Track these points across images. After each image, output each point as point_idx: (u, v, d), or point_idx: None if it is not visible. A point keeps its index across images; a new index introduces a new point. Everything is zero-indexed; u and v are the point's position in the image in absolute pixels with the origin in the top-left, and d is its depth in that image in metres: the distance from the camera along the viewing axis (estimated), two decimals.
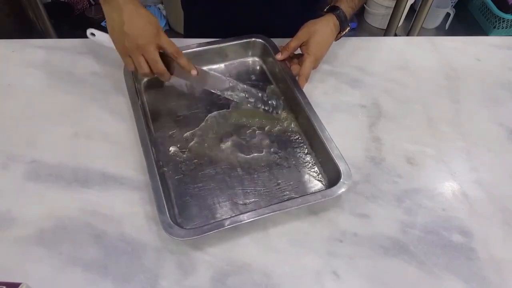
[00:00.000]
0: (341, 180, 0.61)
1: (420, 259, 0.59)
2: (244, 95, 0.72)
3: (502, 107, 0.81)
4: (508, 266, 0.60)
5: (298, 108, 0.72)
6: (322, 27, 0.75)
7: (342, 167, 0.62)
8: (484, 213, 0.65)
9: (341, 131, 0.74)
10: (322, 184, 0.66)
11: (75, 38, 0.87)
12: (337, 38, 0.79)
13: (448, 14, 2.13)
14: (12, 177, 0.65)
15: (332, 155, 0.64)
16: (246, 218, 0.57)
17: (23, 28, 1.66)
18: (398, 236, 0.62)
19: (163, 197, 0.58)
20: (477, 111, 0.80)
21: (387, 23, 1.64)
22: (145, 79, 0.79)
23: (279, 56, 0.77)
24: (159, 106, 0.76)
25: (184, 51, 0.77)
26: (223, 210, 0.62)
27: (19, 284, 0.48)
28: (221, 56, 0.83)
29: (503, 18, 2.04)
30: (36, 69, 0.80)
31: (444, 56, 0.90)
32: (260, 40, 0.82)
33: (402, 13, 1.59)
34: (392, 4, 1.61)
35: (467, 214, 0.65)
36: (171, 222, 0.56)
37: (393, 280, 0.57)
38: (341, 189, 0.60)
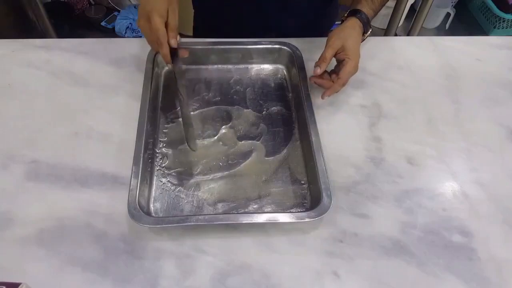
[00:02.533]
0: (318, 206, 0.59)
1: (420, 259, 0.59)
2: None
3: (502, 107, 0.81)
4: (508, 266, 0.60)
5: (303, 126, 0.71)
6: (351, 31, 0.74)
7: (324, 196, 0.60)
8: (484, 213, 0.65)
9: (341, 131, 0.74)
10: (304, 204, 0.64)
11: (75, 38, 0.87)
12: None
13: (448, 14, 2.13)
14: (12, 177, 0.64)
15: (320, 182, 0.61)
16: (213, 219, 0.58)
17: (23, 28, 1.66)
18: (399, 236, 0.62)
19: (139, 181, 0.60)
20: (477, 111, 0.80)
21: (387, 22, 1.64)
22: (166, 68, 0.80)
23: (318, 71, 0.72)
24: (172, 95, 0.77)
25: (210, 47, 0.80)
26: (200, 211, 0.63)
27: (19, 284, 0.48)
28: (246, 57, 0.83)
29: (503, 18, 2.04)
30: (36, 69, 0.80)
31: (444, 56, 0.90)
32: (287, 49, 0.82)
33: (402, 13, 1.59)
34: (392, 4, 1.61)
35: (468, 214, 0.65)
36: (137, 207, 0.57)
37: (393, 280, 0.57)
38: (315, 214, 0.59)
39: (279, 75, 0.83)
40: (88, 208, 0.62)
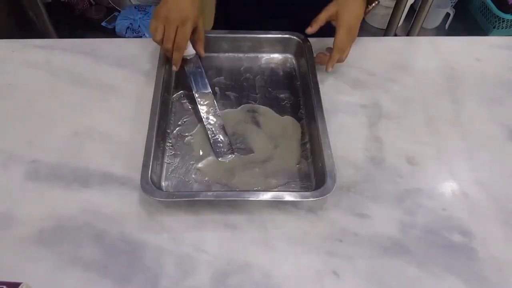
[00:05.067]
0: (322, 186, 0.61)
1: (420, 259, 0.59)
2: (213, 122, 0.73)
3: (502, 107, 0.81)
4: (508, 266, 0.60)
5: (310, 111, 0.73)
6: (352, 0, 0.76)
7: (329, 176, 0.61)
8: (484, 213, 0.65)
9: (341, 131, 0.74)
10: (309, 187, 0.66)
11: (75, 38, 0.87)
12: (365, 13, 0.79)
13: (448, 14, 2.13)
14: (12, 177, 0.65)
15: (325, 162, 0.63)
16: (221, 195, 0.62)
17: (23, 28, 1.66)
18: (398, 236, 0.62)
19: (152, 157, 0.62)
20: (477, 111, 0.80)
21: (387, 23, 1.64)
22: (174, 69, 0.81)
23: (309, 29, 0.77)
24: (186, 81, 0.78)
25: (221, 35, 0.84)
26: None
27: (19, 284, 0.48)
28: (256, 47, 0.85)
29: (503, 18, 2.04)
30: (36, 69, 0.80)
31: (444, 56, 0.90)
32: (296, 38, 0.83)
33: (402, 13, 1.58)
34: (392, 4, 1.60)
35: (467, 214, 0.65)
36: (149, 180, 0.59)
37: (393, 280, 0.57)
38: (318, 194, 0.60)
39: (288, 64, 0.85)
40: (88, 208, 0.62)
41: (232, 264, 0.57)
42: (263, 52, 0.86)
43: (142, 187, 0.59)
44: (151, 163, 0.61)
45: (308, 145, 0.71)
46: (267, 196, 0.61)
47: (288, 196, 0.61)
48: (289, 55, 0.86)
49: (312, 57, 0.80)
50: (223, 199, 0.62)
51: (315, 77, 0.76)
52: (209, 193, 0.61)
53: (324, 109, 0.70)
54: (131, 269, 0.56)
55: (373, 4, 0.79)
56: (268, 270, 0.57)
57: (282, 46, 0.85)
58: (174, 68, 0.73)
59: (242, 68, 0.84)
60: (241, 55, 0.86)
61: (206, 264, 0.57)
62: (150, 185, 0.59)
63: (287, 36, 0.84)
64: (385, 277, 0.58)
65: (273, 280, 0.56)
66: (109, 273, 0.56)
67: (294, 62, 0.85)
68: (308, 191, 0.63)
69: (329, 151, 0.64)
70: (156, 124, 0.66)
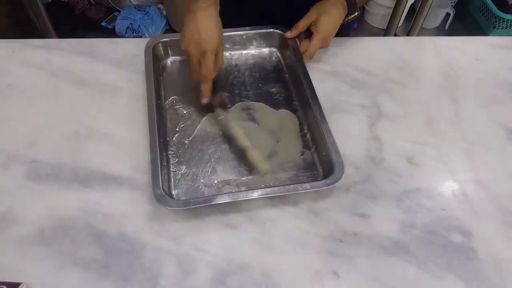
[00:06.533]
0: (333, 173, 0.62)
1: (420, 259, 0.59)
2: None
3: (502, 107, 0.81)
4: (508, 266, 0.60)
5: (305, 101, 0.73)
6: (331, 8, 0.79)
7: (336, 162, 0.63)
8: (484, 213, 0.65)
9: (341, 131, 0.73)
10: (316, 176, 0.67)
11: (75, 38, 0.87)
12: (344, 21, 0.81)
13: (448, 14, 2.13)
14: (12, 177, 0.65)
15: (330, 150, 0.64)
16: (235, 196, 0.61)
17: (23, 28, 1.66)
18: (398, 236, 0.62)
19: (159, 167, 0.61)
20: (477, 111, 0.80)
21: (387, 23, 1.64)
22: (167, 59, 0.83)
23: (288, 34, 0.81)
24: (175, 86, 0.79)
25: None
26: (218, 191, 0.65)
27: (19, 284, 0.48)
28: (240, 44, 0.86)
29: (503, 18, 2.04)
30: (36, 69, 0.80)
31: (444, 56, 0.90)
32: (279, 31, 0.84)
33: (402, 13, 1.58)
34: (392, 4, 1.61)
35: (467, 214, 0.65)
36: (163, 192, 0.58)
37: (393, 280, 0.57)
38: (331, 182, 0.61)
39: (274, 58, 0.86)
40: (88, 208, 0.62)
41: (232, 264, 0.57)
42: (247, 48, 0.86)
43: (156, 198, 0.58)
44: (159, 174, 0.60)
45: (308, 135, 0.72)
46: (282, 190, 0.61)
47: (302, 187, 0.61)
48: (273, 49, 0.87)
49: (297, 48, 0.81)
50: (238, 199, 0.61)
51: (304, 67, 0.77)
52: (224, 196, 0.60)
53: (323, 109, 0.70)
54: (131, 269, 0.56)
55: (354, 15, 0.81)
56: (268, 270, 0.57)
57: (265, 40, 0.86)
58: (205, 101, 0.73)
59: (229, 67, 0.84)
60: (226, 54, 0.85)
61: (206, 264, 0.57)
62: (164, 196, 0.58)
63: (269, 30, 0.85)
64: (385, 277, 0.58)
65: (273, 280, 0.56)
66: (109, 273, 0.56)
67: (279, 55, 0.86)
68: (319, 180, 0.64)
69: (332, 138, 0.65)
70: (156, 133, 0.65)
